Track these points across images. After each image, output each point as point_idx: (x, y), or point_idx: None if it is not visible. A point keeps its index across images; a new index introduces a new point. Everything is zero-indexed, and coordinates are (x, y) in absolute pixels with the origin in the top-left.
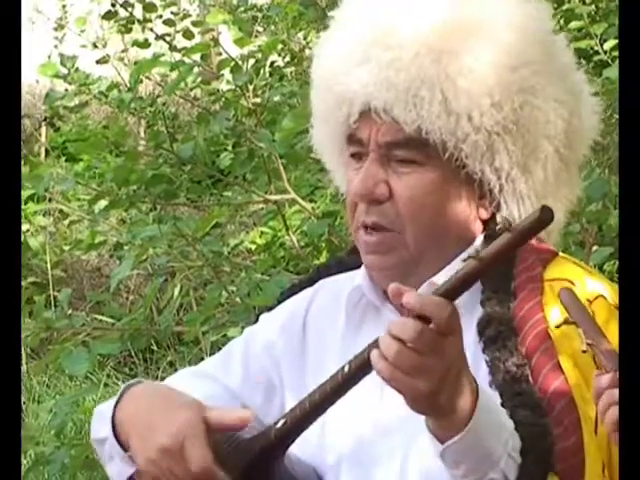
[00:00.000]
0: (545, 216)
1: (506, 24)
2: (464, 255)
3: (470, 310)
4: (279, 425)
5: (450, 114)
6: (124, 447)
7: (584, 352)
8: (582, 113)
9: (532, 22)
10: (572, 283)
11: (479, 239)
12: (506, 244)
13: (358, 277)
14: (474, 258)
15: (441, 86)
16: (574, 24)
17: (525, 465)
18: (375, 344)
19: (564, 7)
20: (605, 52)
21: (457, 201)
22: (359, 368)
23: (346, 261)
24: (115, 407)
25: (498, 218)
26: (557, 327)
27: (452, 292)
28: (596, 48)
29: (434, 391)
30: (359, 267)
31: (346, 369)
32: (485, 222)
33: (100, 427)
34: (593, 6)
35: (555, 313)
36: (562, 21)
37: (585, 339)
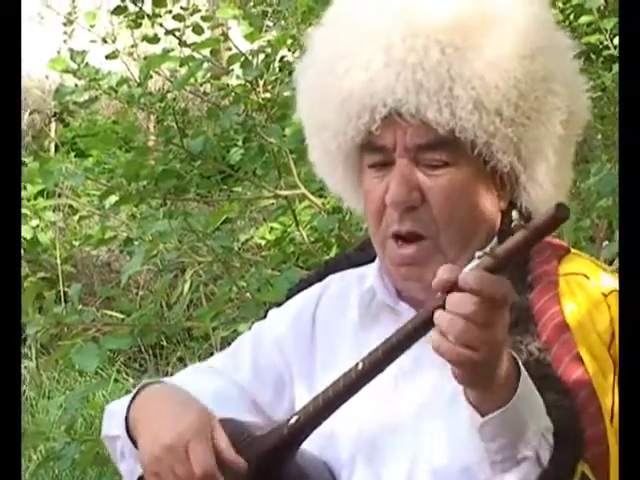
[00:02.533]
0: (560, 214)
1: (520, 13)
2: (479, 252)
3: None
4: (292, 421)
5: (481, 111)
6: (137, 445)
7: None
8: (579, 93)
9: (539, 9)
10: (587, 277)
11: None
12: (521, 241)
13: (369, 279)
14: (489, 255)
15: (472, 83)
16: (584, 19)
17: (558, 449)
18: (388, 342)
19: (573, 2)
20: (615, 47)
21: (485, 196)
22: (373, 366)
23: (354, 257)
24: (130, 405)
25: (514, 211)
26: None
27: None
28: (606, 43)
29: (488, 362)
30: (366, 263)
31: (360, 366)
32: (503, 212)
33: (112, 425)
34: (602, 1)
35: (572, 306)
36: (572, 16)
37: None
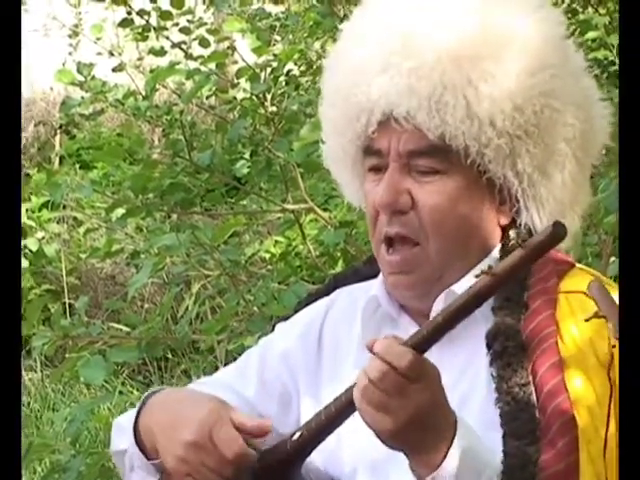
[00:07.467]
0: (558, 231)
1: (524, 29)
2: (477, 270)
3: (484, 317)
4: (295, 437)
5: (473, 119)
6: (147, 455)
7: (614, 347)
8: (594, 116)
9: (548, 26)
10: (588, 296)
11: (497, 248)
12: (519, 260)
13: (374, 288)
14: (487, 273)
15: (464, 92)
16: (590, 34)
17: None
18: None
19: (580, 17)
20: None
21: (480, 208)
22: None
23: (362, 271)
24: (137, 415)
25: (515, 226)
26: (586, 321)
27: (464, 308)
28: (612, 58)
29: (398, 430)
30: (375, 277)
31: None
32: (504, 228)
33: (120, 438)
34: (608, 17)
35: (570, 326)
36: (578, 31)
37: (615, 334)
